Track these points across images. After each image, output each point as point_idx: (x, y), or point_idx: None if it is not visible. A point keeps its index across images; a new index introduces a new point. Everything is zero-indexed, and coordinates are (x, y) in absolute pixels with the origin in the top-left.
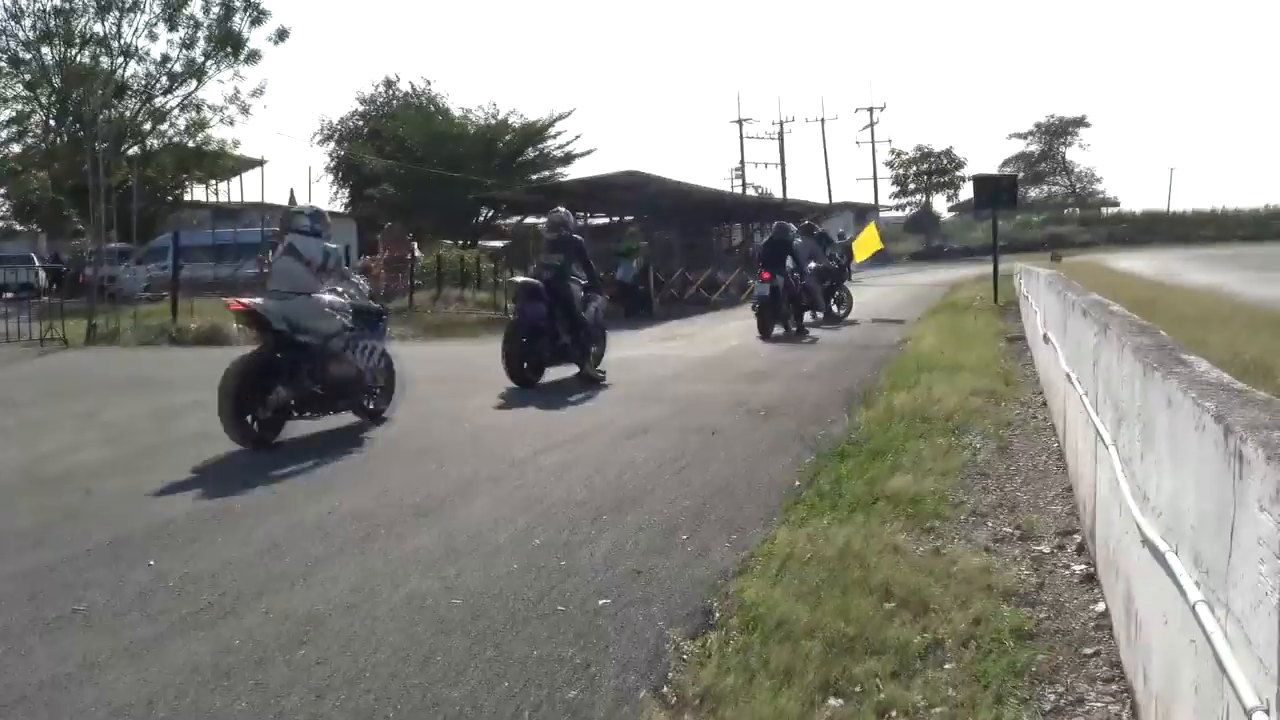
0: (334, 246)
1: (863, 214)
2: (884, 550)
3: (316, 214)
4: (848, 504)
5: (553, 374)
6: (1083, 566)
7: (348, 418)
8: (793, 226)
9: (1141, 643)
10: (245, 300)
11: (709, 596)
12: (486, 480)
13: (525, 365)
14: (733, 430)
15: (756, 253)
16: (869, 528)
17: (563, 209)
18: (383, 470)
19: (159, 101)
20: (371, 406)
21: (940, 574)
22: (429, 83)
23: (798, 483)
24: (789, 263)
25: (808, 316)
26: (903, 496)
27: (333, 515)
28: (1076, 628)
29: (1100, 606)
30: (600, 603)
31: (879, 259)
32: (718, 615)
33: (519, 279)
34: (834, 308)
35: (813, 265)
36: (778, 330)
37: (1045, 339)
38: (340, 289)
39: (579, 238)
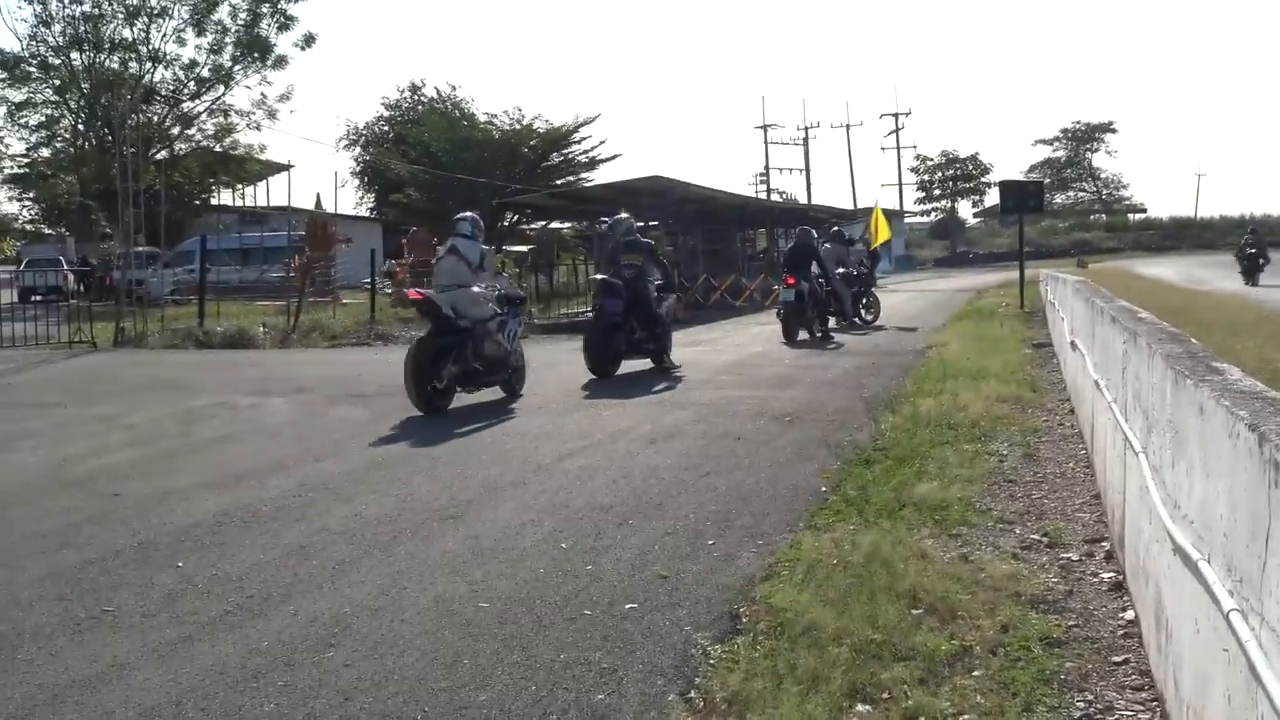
0: (487, 248)
1: (888, 220)
2: (911, 556)
3: (475, 222)
4: (874, 510)
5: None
6: (1111, 574)
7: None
8: (815, 232)
9: (1172, 651)
10: (422, 291)
11: (736, 602)
12: (511, 484)
13: (605, 358)
14: (757, 436)
15: (781, 258)
16: (896, 534)
17: (625, 214)
18: (406, 475)
19: (186, 106)
20: (512, 383)
21: (968, 581)
22: (454, 88)
23: (823, 488)
24: (814, 268)
25: (833, 322)
26: (929, 503)
27: (358, 519)
28: (1105, 635)
29: (1129, 614)
30: (627, 607)
31: (904, 265)
32: (745, 620)
33: (600, 277)
34: (863, 313)
35: (840, 271)
36: (802, 335)
37: (1073, 345)
38: (490, 283)
39: (650, 242)
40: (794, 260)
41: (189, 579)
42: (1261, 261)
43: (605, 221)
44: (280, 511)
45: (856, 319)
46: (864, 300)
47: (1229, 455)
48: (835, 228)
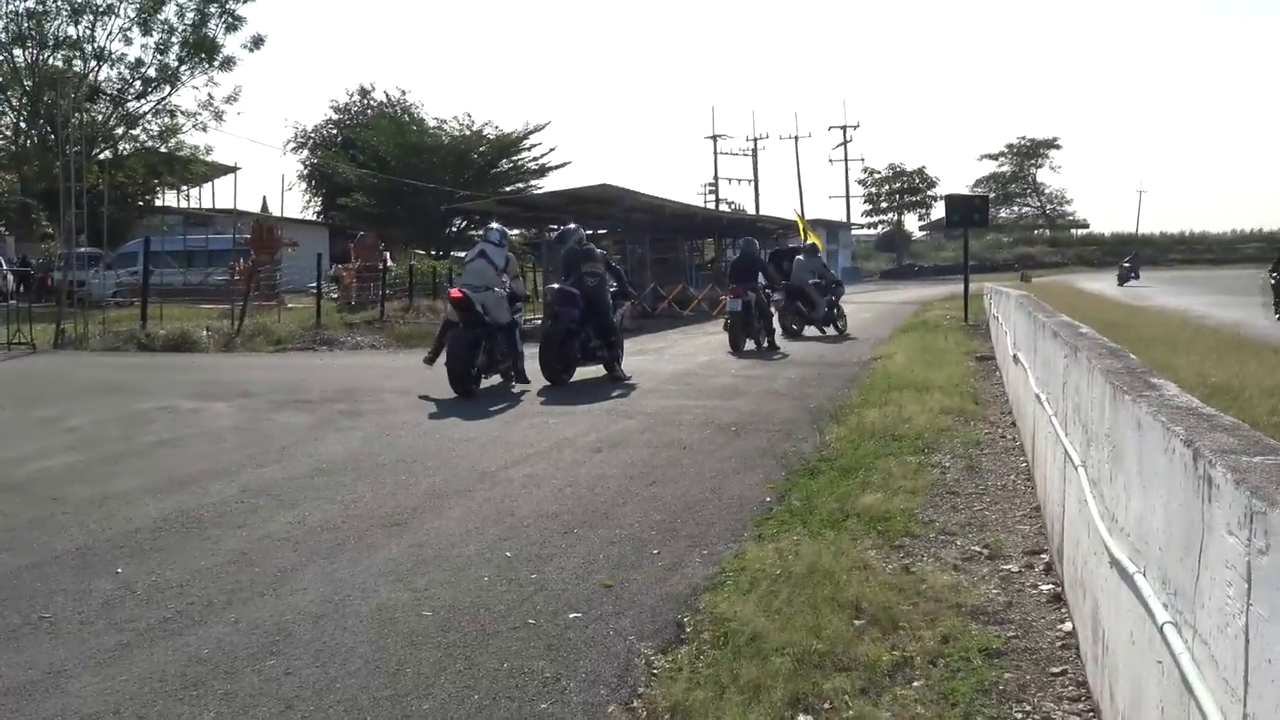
0: (511, 255)
1: (835, 231)
2: (854, 567)
3: (502, 232)
4: (818, 521)
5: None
6: (1050, 586)
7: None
8: (756, 242)
9: (1108, 662)
10: (463, 290)
11: (680, 611)
12: (456, 492)
13: (560, 365)
14: (703, 446)
15: (727, 269)
16: (839, 545)
17: (574, 225)
18: (350, 482)
19: (132, 106)
20: (518, 372)
21: (909, 592)
22: (404, 92)
23: (768, 499)
24: (760, 279)
25: (810, 330)
26: (873, 514)
27: (302, 525)
28: (1044, 646)
29: (1067, 626)
30: (571, 616)
31: (851, 277)
32: (688, 630)
33: (555, 286)
34: (836, 323)
35: (814, 281)
36: (749, 345)
37: (1015, 359)
38: (509, 285)
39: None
40: (740, 271)
41: (128, 585)
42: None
43: (554, 229)
44: (222, 517)
45: (830, 328)
46: (835, 310)
47: (1164, 470)
48: (810, 242)
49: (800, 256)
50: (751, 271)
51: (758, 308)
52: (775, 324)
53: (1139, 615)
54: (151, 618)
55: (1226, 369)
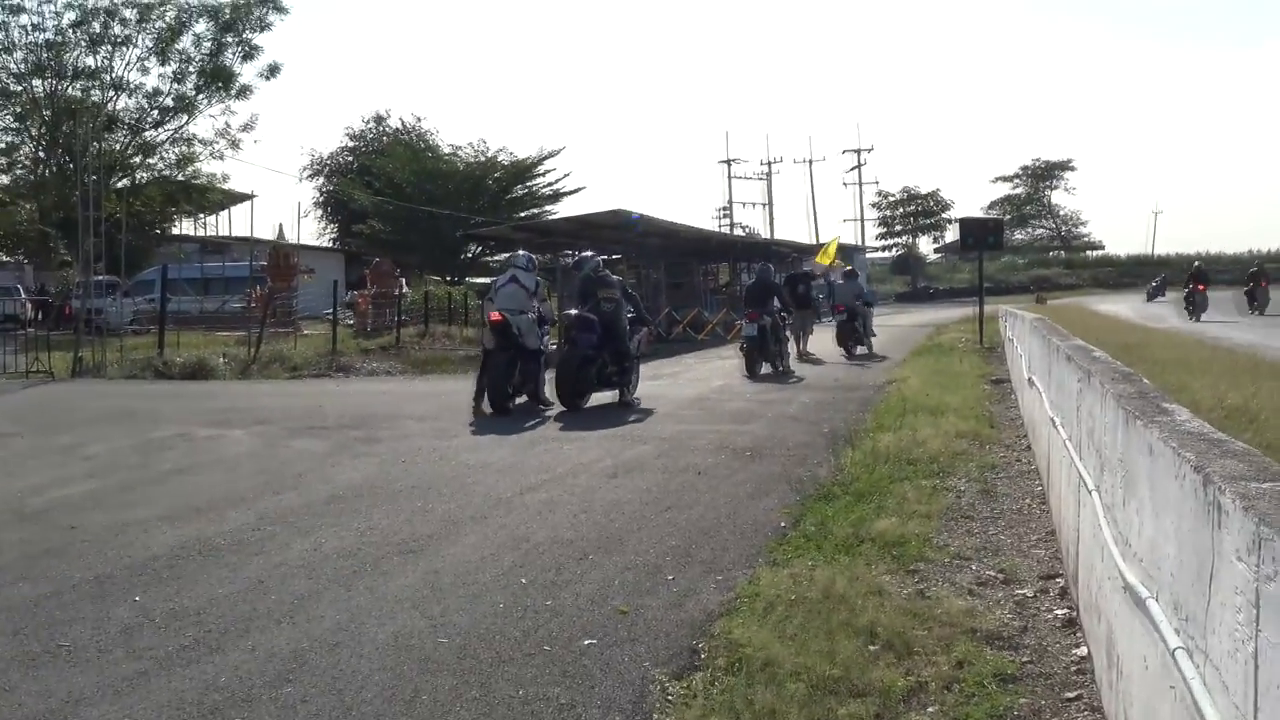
0: (542, 278)
1: (849, 254)
2: (868, 592)
3: (530, 258)
4: (833, 546)
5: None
6: (1065, 610)
7: None
8: (772, 267)
9: (1122, 687)
10: (501, 313)
11: (694, 637)
12: (472, 519)
13: (576, 391)
14: (718, 471)
15: (742, 293)
16: (854, 570)
17: (590, 252)
18: (366, 509)
19: (149, 135)
20: (538, 394)
21: (924, 616)
22: (419, 119)
23: (783, 524)
24: (775, 303)
25: (861, 349)
26: (887, 539)
27: (318, 553)
28: (1058, 672)
29: (1082, 651)
30: (586, 642)
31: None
32: (703, 656)
33: (573, 312)
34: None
35: (859, 301)
36: (765, 369)
37: (1030, 383)
38: (538, 309)
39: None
40: (755, 296)
41: (146, 613)
42: (1161, 295)
43: (569, 255)
44: (239, 545)
45: (863, 346)
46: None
47: (1175, 495)
48: (849, 268)
49: (841, 281)
50: (766, 296)
51: (773, 332)
52: (790, 347)
53: (1152, 640)
54: (169, 645)
55: (1243, 390)
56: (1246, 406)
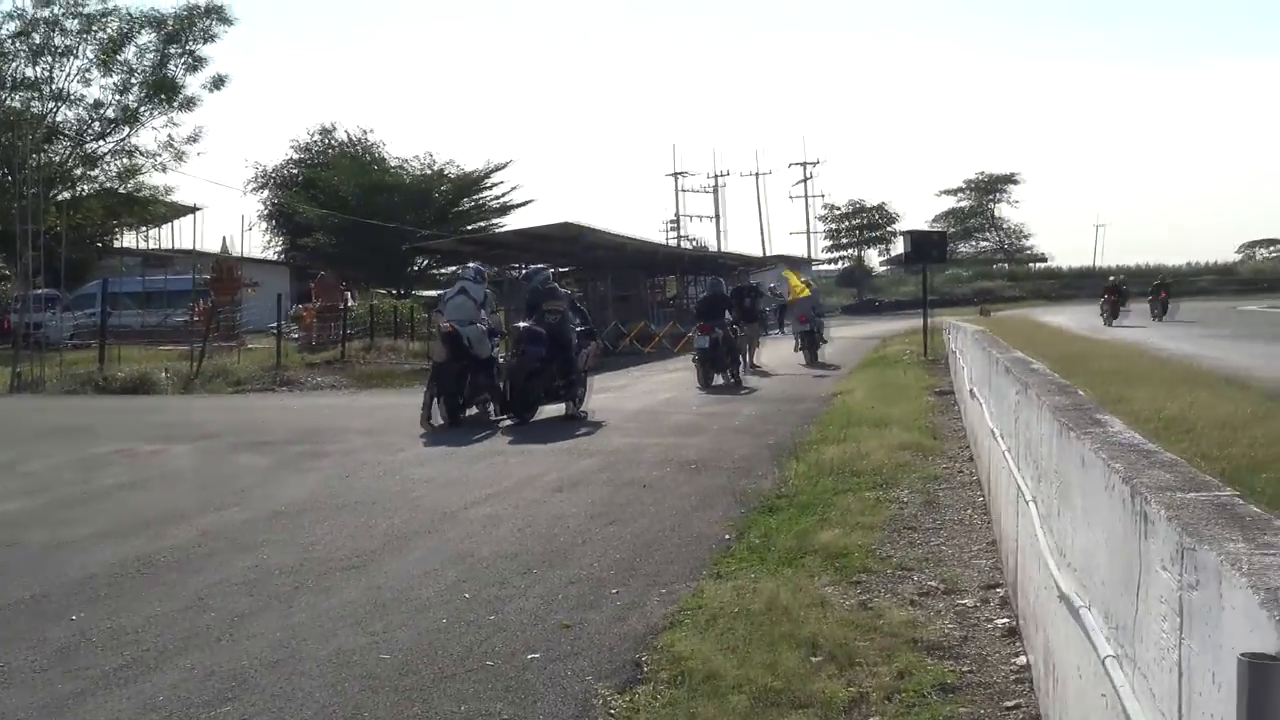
0: (489, 292)
1: (796, 266)
2: (811, 604)
3: (479, 270)
4: (776, 558)
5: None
6: (1005, 620)
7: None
8: (723, 281)
9: (1059, 695)
10: (451, 324)
11: (638, 650)
12: (416, 533)
13: (524, 404)
14: (663, 484)
15: (693, 307)
16: (797, 581)
17: (543, 265)
18: (310, 524)
19: (91, 147)
20: (490, 405)
21: (866, 627)
22: (366, 132)
23: (727, 536)
24: (726, 315)
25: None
26: (831, 550)
27: (260, 569)
28: (999, 681)
29: (1022, 660)
30: (529, 657)
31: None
32: (646, 669)
33: (522, 324)
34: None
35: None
36: (718, 380)
37: (972, 394)
38: (487, 321)
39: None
40: (707, 309)
41: (84, 632)
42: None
43: (516, 268)
44: (180, 562)
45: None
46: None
47: (1106, 506)
48: (814, 288)
49: (803, 298)
50: (719, 309)
51: (725, 343)
52: (745, 358)
53: (1085, 649)
54: (107, 665)
55: (1181, 401)
56: (1184, 416)
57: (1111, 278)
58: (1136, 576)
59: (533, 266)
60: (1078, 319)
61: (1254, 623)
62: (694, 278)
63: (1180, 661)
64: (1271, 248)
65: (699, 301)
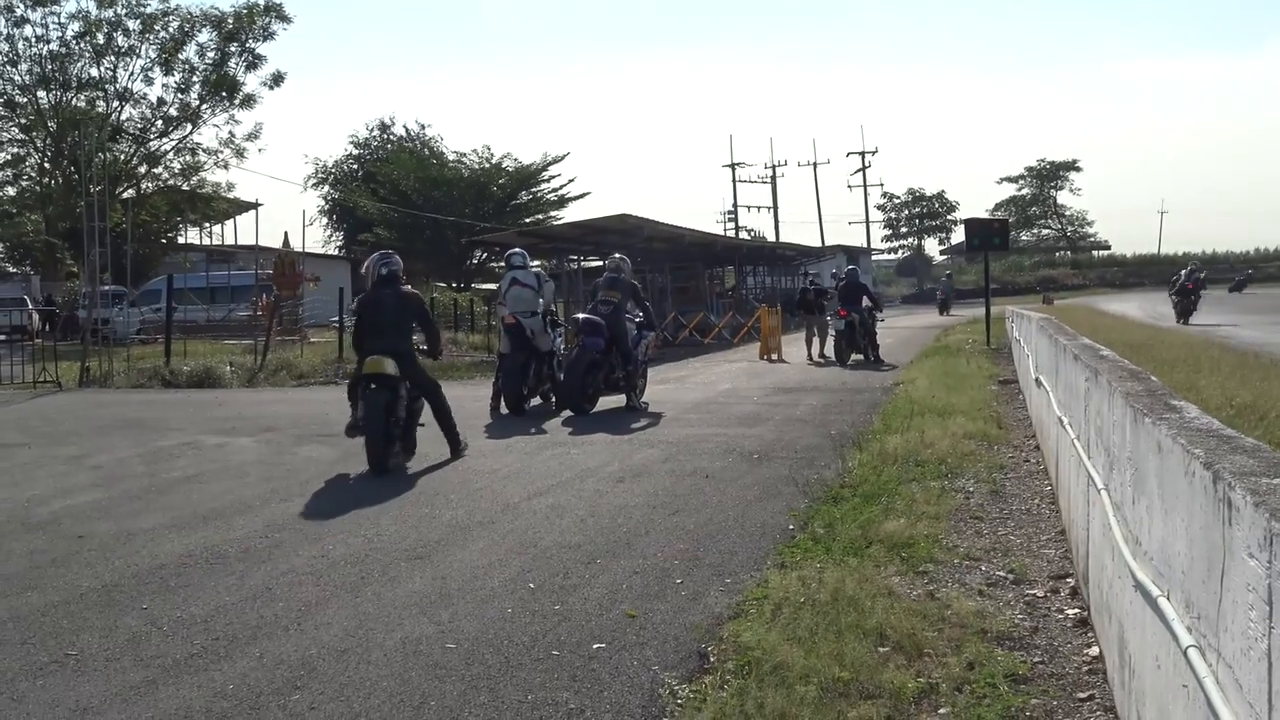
0: (542, 273)
1: (855, 256)
2: (878, 594)
3: (523, 254)
4: (841, 548)
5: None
6: (1076, 610)
7: None
8: (859, 270)
9: (1135, 687)
10: (515, 316)
11: (703, 641)
12: (479, 524)
13: (583, 395)
14: (725, 474)
15: (833, 292)
16: (863, 571)
17: (619, 255)
18: (374, 515)
19: (154, 145)
20: (552, 396)
21: (934, 618)
22: (424, 126)
23: (791, 526)
24: (864, 301)
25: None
26: (896, 540)
27: (325, 559)
28: (1070, 672)
29: (1094, 650)
30: (595, 647)
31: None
32: (712, 659)
33: (581, 315)
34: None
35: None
36: (856, 357)
37: (1037, 383)
38: (546, 308)
39: (635, 282)
40: (846, 295)
41: (154, 621)
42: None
43: (573, 260)
44: (246, 552)
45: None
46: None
47: (1185, 493)
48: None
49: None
50: (857, 295)
51: (861, 326)
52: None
53: (1164, 639)
54: (177, 653)
55: (1252, 388)
56: (1255, 404)
57: (1188, 268)
58: (1220, 564)
59: (613, 256)
60: (1144, 308)
61: None
62: (752, 268)
63: (1270, 651)
64: None
65: (840, 288)
